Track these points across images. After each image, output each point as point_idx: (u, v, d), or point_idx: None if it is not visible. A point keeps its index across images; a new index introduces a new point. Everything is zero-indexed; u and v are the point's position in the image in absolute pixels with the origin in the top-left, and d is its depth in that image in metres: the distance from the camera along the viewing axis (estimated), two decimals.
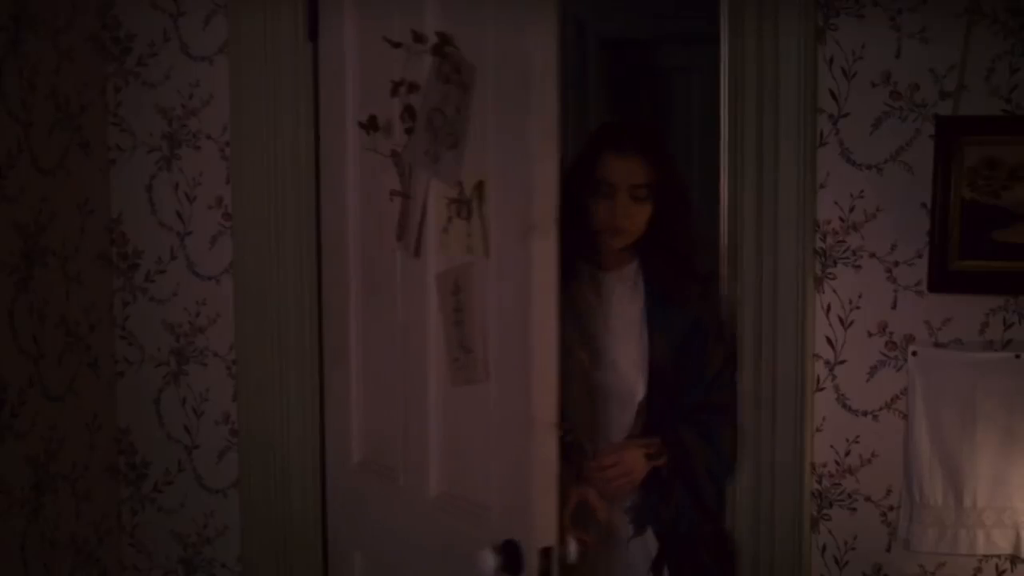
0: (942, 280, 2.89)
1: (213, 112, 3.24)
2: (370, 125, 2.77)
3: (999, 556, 2.95)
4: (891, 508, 3.00)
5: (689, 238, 2.89)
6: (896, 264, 2.93)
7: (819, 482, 3.02)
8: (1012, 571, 2.94)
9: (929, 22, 2.86)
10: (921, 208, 2.89)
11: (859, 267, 2.94)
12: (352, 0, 2.92)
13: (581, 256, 2.90)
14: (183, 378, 3.36)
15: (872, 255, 2.93)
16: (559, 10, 2.29)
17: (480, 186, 2.47)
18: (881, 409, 2.97)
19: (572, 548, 2.40)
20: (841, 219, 2.92)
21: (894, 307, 2.93)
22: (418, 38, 2.57)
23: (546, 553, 2.33)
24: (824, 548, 3.05)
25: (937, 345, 2.93)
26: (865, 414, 2.98)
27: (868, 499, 3.02)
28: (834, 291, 2.96)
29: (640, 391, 2.85)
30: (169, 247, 3.32)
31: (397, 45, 2.63)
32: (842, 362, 2.98)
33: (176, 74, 3.25)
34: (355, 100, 2.92)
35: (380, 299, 2.90)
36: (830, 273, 2.96)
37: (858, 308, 2.95)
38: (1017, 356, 2.88)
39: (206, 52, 3.23)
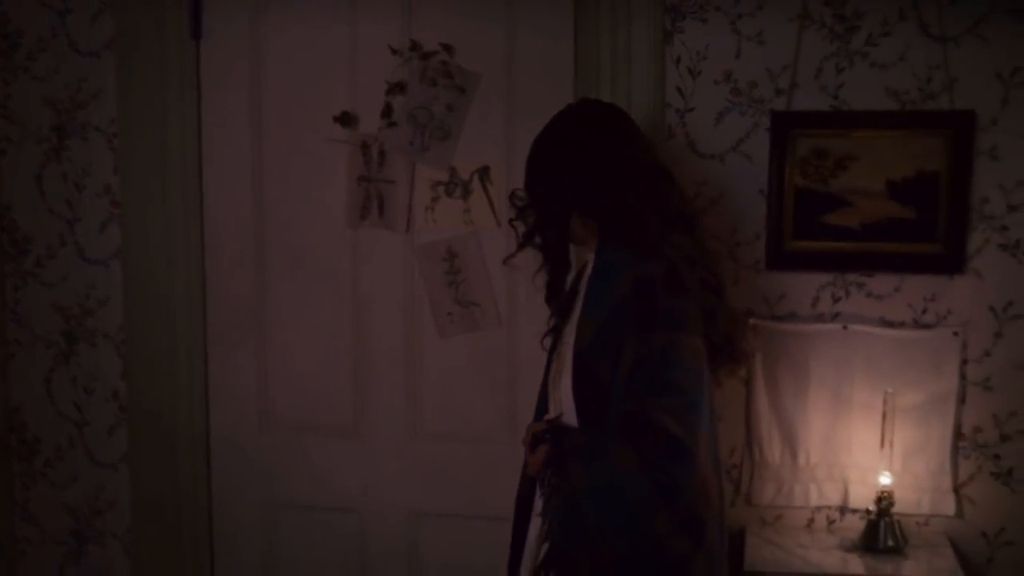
0: (778, 259, 3.19)
1: (101, 105, 3.41)
2: (343, 119, 3.25)
3: (829, 507, 3.27)
4: (735, 466, 3.30)
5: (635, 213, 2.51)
6: (737, 245, 3.23)
7: None
8: (841, 519, 3.27)
9: (765, 26, 3.16)
10: (759, 194, 3.19)
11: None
12: (242, 4, 3.16)
13: None
14: (73, 358, 3.53)
15: (716, 237, 3.22)
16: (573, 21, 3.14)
17: (486, 170, 3.20)
18: (725, 376, 3.25)
19: None
20: (689, 200, 3.19)
21: (736, 284, 3.22)
22: (414, 46, 3.24)
23: None
24: None
25: (774, 318, 3.24)
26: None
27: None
28: None
29: (563, 382, 2.54)
30: (59, 233, 3.48)
31: (396, 52, 3.26)
32: None
33: (64, 68, 3.42)
34: (252, 95, 3.28)
35: (314, 275, 3.34)
36: None
37: None
38: (844, 327, 3.19)
39: (93, 48, 3.40)
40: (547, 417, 2.58)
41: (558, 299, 2.65)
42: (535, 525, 2.58)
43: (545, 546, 2.48)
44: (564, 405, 2.52)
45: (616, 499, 2.30)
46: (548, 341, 2.74)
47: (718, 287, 2.59)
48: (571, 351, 2.48)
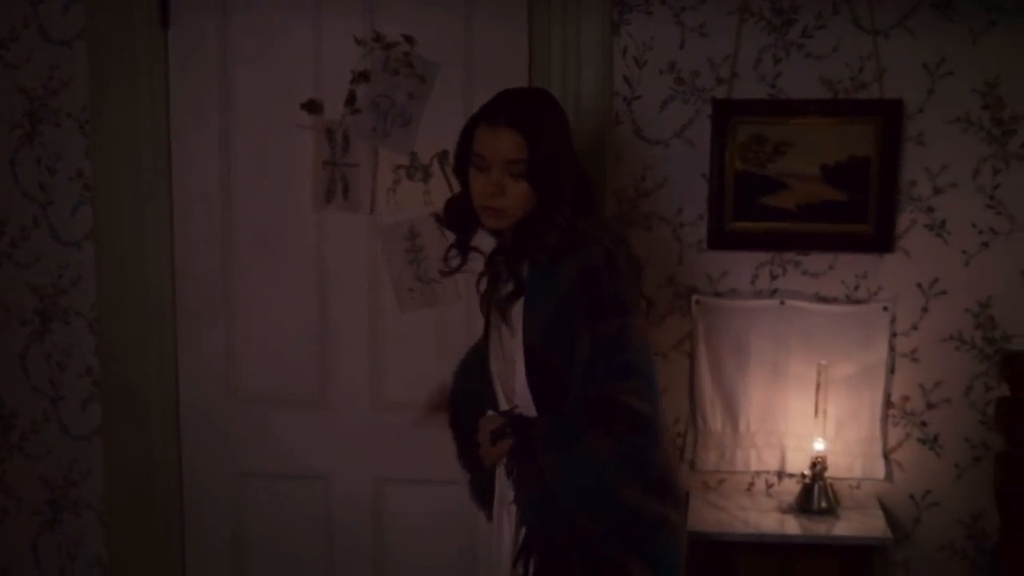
0: (719, 239, 3.38)
1: (73, 92, 3.54)
2: (309, 106, 3.43)
3: (768, 472, 3.47)
4: (679, 435, 3.49)
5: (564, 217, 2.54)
6: (681, 225, 3.41)
7: None
8: (779, 483, 3.47)
9: (707, 18, 3.33)
10: (701, 177, 3.37)
11: (650, 228, 3.41)
12: None
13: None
14: (47, 336, 3.67)
15: (661, 218, 3.40)
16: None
17: (445, 154, 3.33)
18: (670, 350, 3.45)
19: None
20: (634, 188, 3.38)
21: (680, 263, 3.41)
22: (377, 37, 3.41)
23: None
24: None
25: (716, 295, 3.43)
26: (656, 354, 3.45)
27: None
28: None
29: (517, 376, 2.58)
30: (32, 216, 3.62)
31: (360, 42, 3.42)
32: None
33: (37, 57, 3.55)
34: (220, 82, 3.49)
35: (281, 255, 3.53)
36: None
37: (648, 264, 3.39)
38: (782, 303, 3.39)
39: (65, 37, 3.53)
40: (502, 409, 2.64)
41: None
42: (508, 514, 2.63)
43: (523, 531, 2.55)
44: (519, 397, 2.58)
45: (593, 478, 2.39)
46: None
47: (638, 260, 2.65)
48: (519, 345, 2.55)
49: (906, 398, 3.39)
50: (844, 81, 3.30)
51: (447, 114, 3.34)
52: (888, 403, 3.38)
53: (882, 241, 3.32)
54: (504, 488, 2.60)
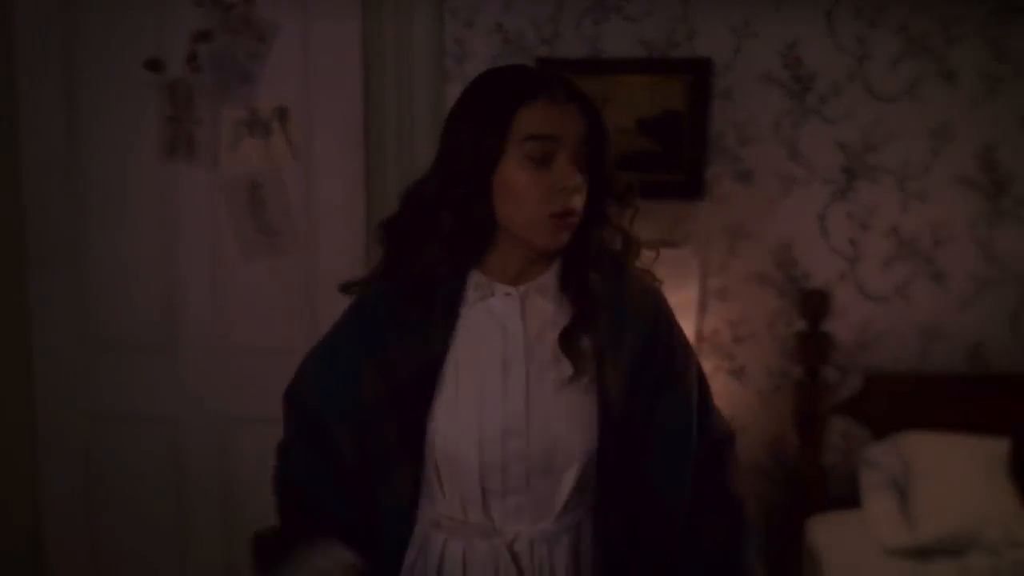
0: None
1: None
2: (152, 65, 3.54)
3: None
4: None
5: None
6: None
7: None
8: None
9: None
10: None
11: None
12: None
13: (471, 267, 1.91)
14: None
15: None
16: None
17: (284, 111, 3.51)
18: None
19: None
20: None
21: None
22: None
23: None
24: None
25: None
26: None
27: None
28: None
29: (584, 450, 1.84)
30: None
31: (199, 3, 3.54)
32: None
33: None
34: (64, 42, 3.58)
35: (129, 207, 3.65)
36: None
37: None
38: None
39: None
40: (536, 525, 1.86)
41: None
42: None
43: None
44: (564, 494, 1.85)
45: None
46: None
47: None
48: (591, 403, 1.84)
49: (716, 333, 3.70)
50: (658, 41, 3.56)
51: (286, 73, 3.51)
52: (700, 337, 3.67)
53: (693, 189, 3.61)
54: None
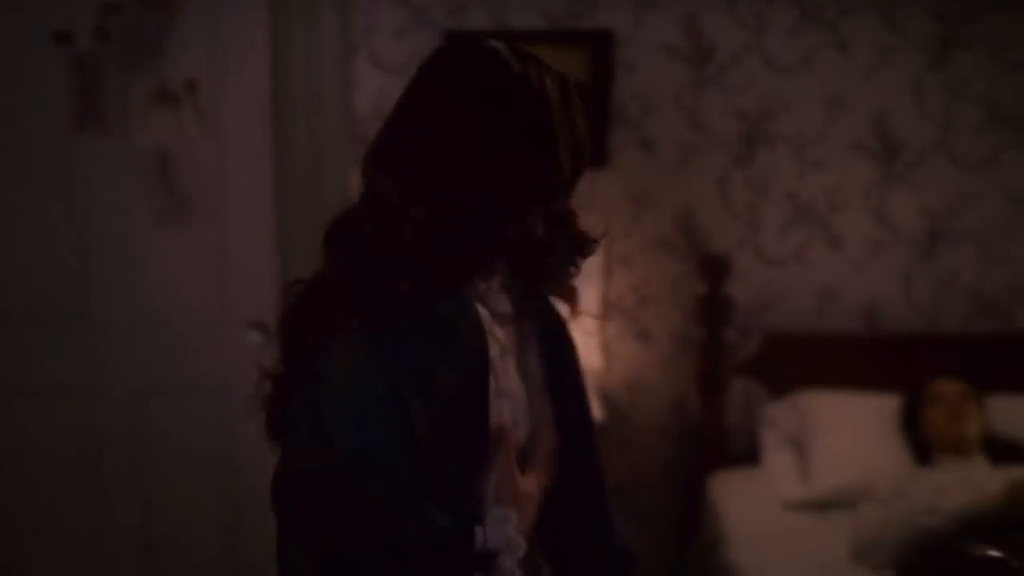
0: None
1: None
2: (60, 37, 3.51)
3: None
4: None
5: None
6: None
7: None
8: None
9: None
10: None
11: None
12: None
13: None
14: None
15: None
16: None
17: (193, 83, 3.51)
18: None
19: None
20: (371, 113, 3.66)
21: None
22: None
23: None
24: None
25: None
26: None
27: None
28: None
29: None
30: None
31: None
32: None
33: None
34: None
35: (39, 180, 3.66)
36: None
37: None
38: None
39: None
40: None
41: None
42: None
43: None
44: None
45: None
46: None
47: None
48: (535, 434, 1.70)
49: (621, 297, 3.81)
50: (561, 13, 3.64)
51: (195, 46, 3.54)
52: (605, 302, 3.78)
53: (597, 158, 3.70)
54: None
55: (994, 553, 1.45)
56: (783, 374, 3.81)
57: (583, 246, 1.66)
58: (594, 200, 3.72)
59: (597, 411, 3.61)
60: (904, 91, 3.70)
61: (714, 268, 3.70)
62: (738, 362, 3.81)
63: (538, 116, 1.59)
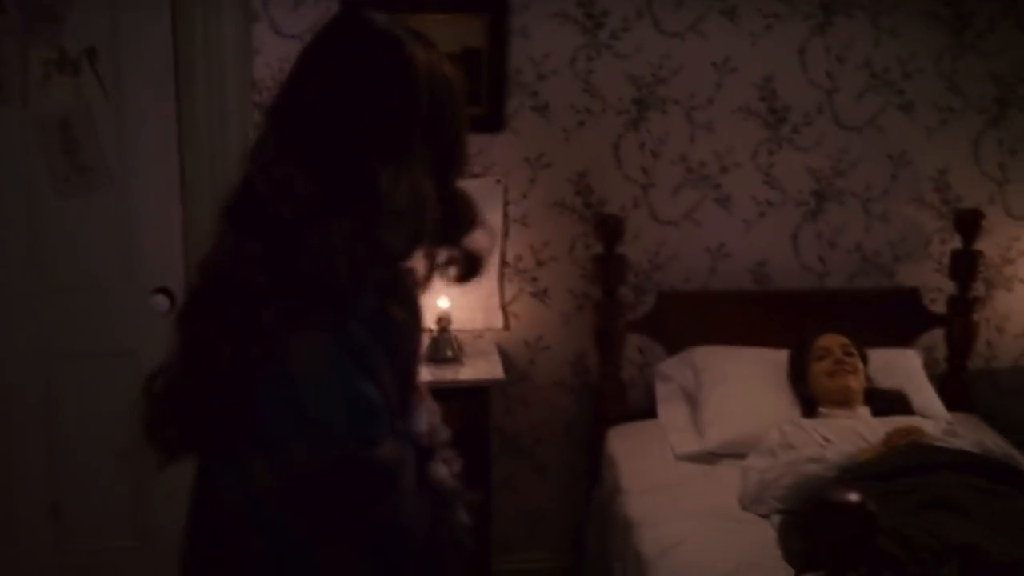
0: None
1: None
2: None
3: None
4: None
5: None
6: None
7: None
8: None
9: None
10: None
11: None
12: None
13: None
14: None
15: None
16: None
17: (93, 50, 3.55)
18: None
19: None
20: (272, 78, 3.72)
21: None
22: None
23: None
24: None
25: None
26: None
27: None
28: None
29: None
30: None
31: None
32: None
33: None
34: None
35: None
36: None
37: None
38: None
39: None
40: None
41: None
42: None
43: None
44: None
45: None
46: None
47: None
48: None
49: (519, 258, 3.91)
50: None
51: (94, 12, 3.56)
52: (504, 263, 3.89)
53: (494, 122, 3.80)
54: None
55: (854, 497, 1.56)
56: (677, 330, 3.94)
57: (472, 221, 1.80)
58: (492, 163, 3.82)
59: (495, 369, 3.72)
60: (789, 56, 3.83)
61: (609, 228, 3.79)
62: (633, 319, 3.92)
63: (432, 95, 1.68)
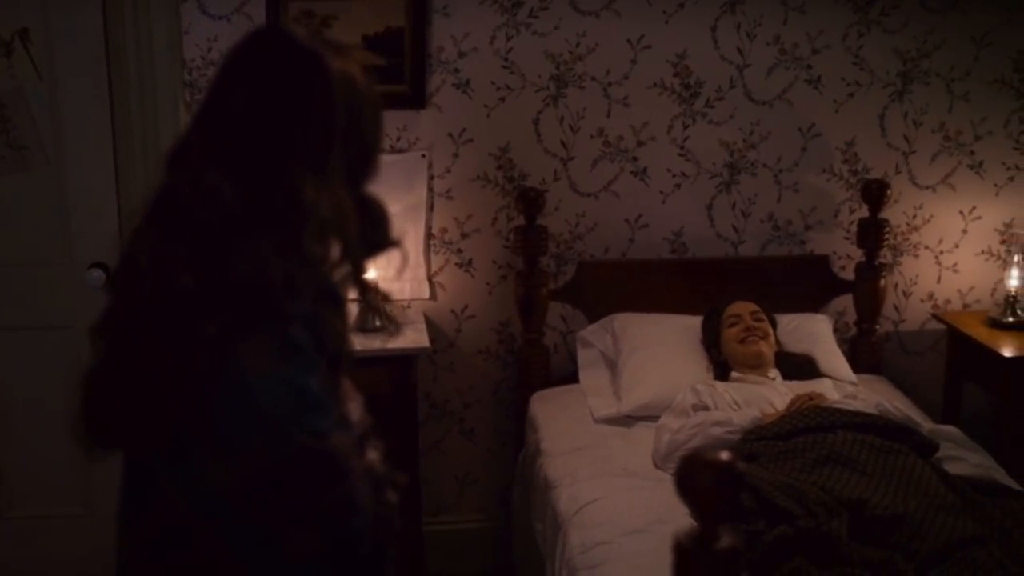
0: None
1: None
2: None
3: None
4: None
5: None
6: None
7: None
8: None
9: None
10: None
11: None
12: None
13: None
14: None
15: None
16: None
17: (25, 32, 3.66)
18: None
19: None
20: (202, 58, 3.82)
21: None
22: None
23: None
24: None
25: None
26: None
27: None
28: None
29: None
30: None
31: None
32: None
33: None
34: None
35: None
36: (198, 99, 3.87)
37: None
38: None
39: None
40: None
41: None
42: None
43: None
44: None
45: None
46: None
47: None
48: None
49: (444, 230, 4.05)
50: None
51: None
52: (430, 235, 4.02)
53: (417, 99, 3.92)
54: None
55: (724, 456, 1.66)
56: (597, 298, 4.09)
57: (387, 223, 1.90)
58: (416, 139, 3.94)
59: (422, 338, 3.86)
60: (700, 32, 3.98)
61: (530, 201, 3.92)
62: (555, 288, 4.07)
63: (350, 109, 1.75)
